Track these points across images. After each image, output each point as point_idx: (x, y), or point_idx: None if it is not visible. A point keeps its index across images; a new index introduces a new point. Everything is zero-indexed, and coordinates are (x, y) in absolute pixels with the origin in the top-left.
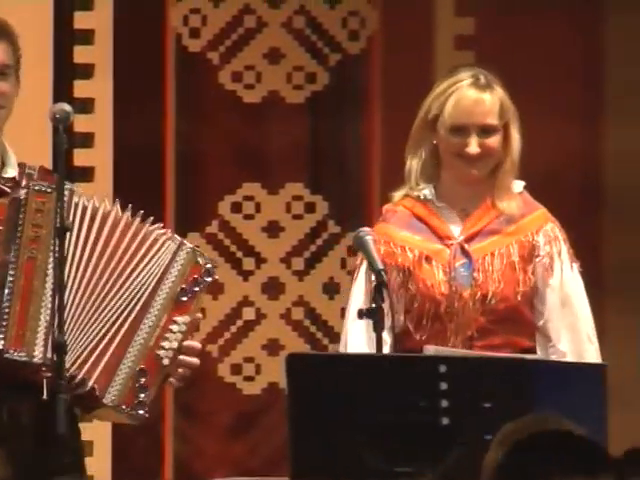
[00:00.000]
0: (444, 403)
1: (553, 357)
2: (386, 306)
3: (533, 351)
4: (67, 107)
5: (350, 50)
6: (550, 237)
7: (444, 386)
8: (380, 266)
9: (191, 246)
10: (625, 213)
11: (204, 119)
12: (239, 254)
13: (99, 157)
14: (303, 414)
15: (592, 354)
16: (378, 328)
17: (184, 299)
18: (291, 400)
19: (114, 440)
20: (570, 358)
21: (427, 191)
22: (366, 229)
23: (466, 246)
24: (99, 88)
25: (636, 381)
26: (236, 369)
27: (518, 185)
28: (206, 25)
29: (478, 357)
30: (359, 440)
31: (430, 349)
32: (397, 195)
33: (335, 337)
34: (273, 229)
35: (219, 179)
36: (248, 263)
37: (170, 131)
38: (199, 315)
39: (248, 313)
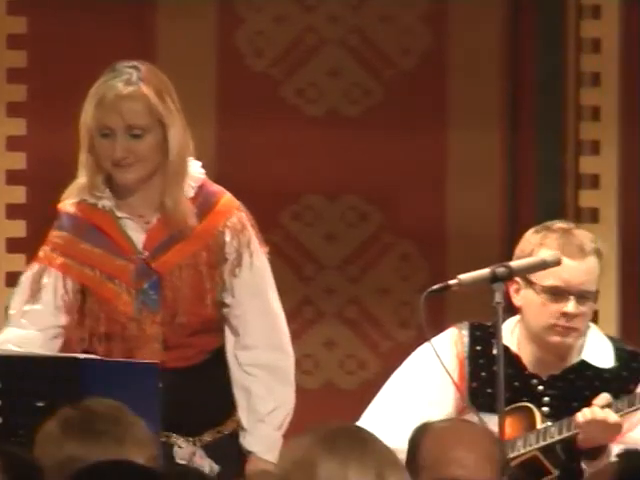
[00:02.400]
0: None
1: (241, 353)
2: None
3: None
4: None
5: None
6: (237, 229)
7: None
8: None
9: None
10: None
11: None
12: None
13: None
14: None
15: (285, 346)
16: None
17: None
18: None
19: None
20: (262, 350)
21: (107, 201)
22: None
23: (152, 264)
24: None
25: None
26: None
27: (197, 173)
28: None
29: (31, 356)
30: None
31: None
32: (72, 199)
33: None
34: None
35: None
36: None
37: None
38: None
39: None
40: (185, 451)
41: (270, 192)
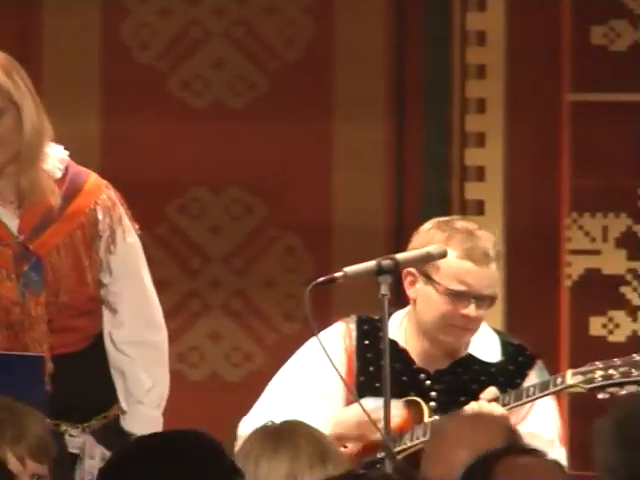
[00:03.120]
0: None
1: (116, 331)
2: None
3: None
4: None
5: None
6: (108, 207)
7: None
8: None
9: None
10: None
11: None
12: None
13: None
14: None
15: (159, 322)
16: None
17: None
18: None
19: None
20: (136, 326)
21: None
22: None
23: (31, 247)
24: None
25: None
26: None
27: (59, 156)
28: None
29: None
30: None
31: None
32: None
33: None
34: None
35: None
36: None
37: None
38: None
39: None
40: (78, 440)
41: (156, 185)
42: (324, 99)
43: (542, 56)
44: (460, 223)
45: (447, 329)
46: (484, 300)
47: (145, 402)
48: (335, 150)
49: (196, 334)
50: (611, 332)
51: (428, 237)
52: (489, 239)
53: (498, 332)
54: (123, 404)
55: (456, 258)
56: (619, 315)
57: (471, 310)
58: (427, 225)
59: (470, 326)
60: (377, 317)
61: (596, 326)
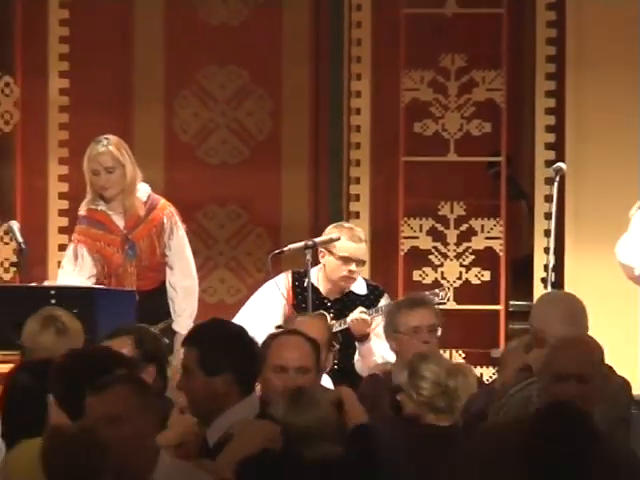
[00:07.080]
0: None
1: (171, 278)
2: (88, 265)
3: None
4: None
5: None
6: (170, 216)
7: None
8: (20, 239)
9: None
10: None
11: None
12: None
13: None
14: None
15: (193, 274)
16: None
17: None
18: None
19: None
20: (181, 276)
21: (102, 206)
22: (13, 222)
23: (129, 236)
24: None
25: None
26: None
27: (145, 190)
28: None
29: (73, 286)
30: None
31: None
32: (84, 208)
33: None
34: None
35: None
36: None
37: None
38: None
39: None
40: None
41: (187, 203)
42: (276, 159)
43: (387, 139)
44: (346, 224)
45: (342, 279)
46: (359, 262)
47: (183, 315)
48: (283, 186)
49: (211, 279)
50: (424, 279)
51: (328, 231)
52: (361, 231)
53: (365, 279)
54: (173, 316)
55: (346, 240)
56: (428, 270)
57: (353, 267)
58: (330, 226)
59: (354, 276)
60: (303, 270)
61: (416, 276)
